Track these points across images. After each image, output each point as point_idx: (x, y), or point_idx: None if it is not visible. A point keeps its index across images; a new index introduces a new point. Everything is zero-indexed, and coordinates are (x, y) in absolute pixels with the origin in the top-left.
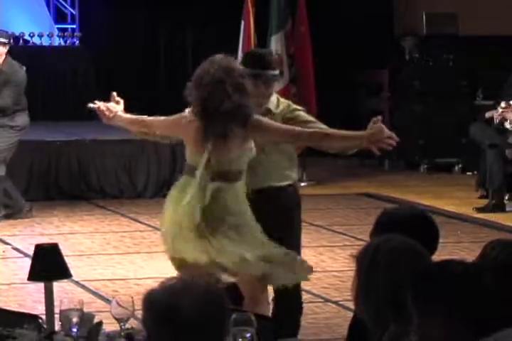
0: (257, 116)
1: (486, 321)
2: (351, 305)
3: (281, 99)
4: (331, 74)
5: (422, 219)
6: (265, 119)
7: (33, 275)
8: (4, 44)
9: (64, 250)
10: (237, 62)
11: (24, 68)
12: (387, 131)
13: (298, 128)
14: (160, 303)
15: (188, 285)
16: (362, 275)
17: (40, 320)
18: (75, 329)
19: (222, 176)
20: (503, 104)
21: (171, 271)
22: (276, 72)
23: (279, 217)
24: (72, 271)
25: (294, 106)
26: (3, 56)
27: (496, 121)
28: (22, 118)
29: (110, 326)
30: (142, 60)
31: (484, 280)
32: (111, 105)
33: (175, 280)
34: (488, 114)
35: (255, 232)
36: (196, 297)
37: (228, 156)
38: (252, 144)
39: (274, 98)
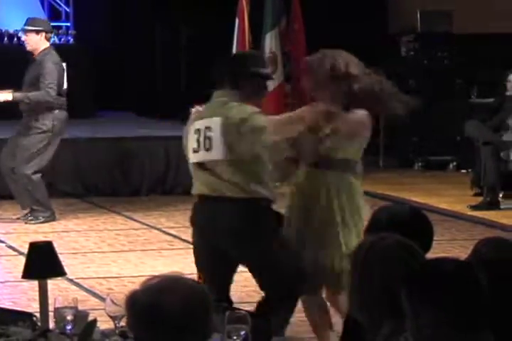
0: None
1: (475, 319)
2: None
3: None
4: None
5: (417, 218)
6: None
7: (28, 273)
8: (37, 32)
9: (58, 248)
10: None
11: (58, 63)
12: None
13: None
14: (143, 303)
15: (171, 284)
16: (356, 274)
17: (34, 318)
18: (69, 327)
19: None
20: None
21: (165, 269)
22: None
23: None
24: (66, 269)
25: None
26: (38, 44)
27: None
28: (48, 119)
29: (104, 324)
30: (137, 58)
31: (476, 278)
32: None
33: (157, 279)
34: None
35: None
36: (179, 295)
37: None
38: None
39: None
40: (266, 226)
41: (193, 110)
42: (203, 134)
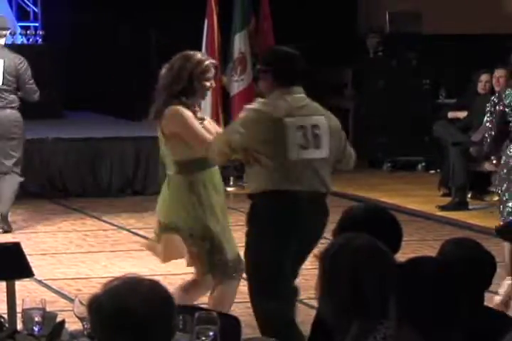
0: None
1: (453, 320)
2: (315, 303)
3: None
4: None
5: (386, 218)
6: None
7: None
8: None
9: (26, 249)
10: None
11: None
12: None
13: None
14: (107, 307)
15: (132, 285)
16: (325, 275)
17: (2, 319)
18: (37, 329)
19: None
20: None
21: (134, 270)
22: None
23: None
24: (34, 270)
25: None
26: None
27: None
28: None
29: (73, 325)
30: (105, 59)
31: (456, 278)
32: None
33: (116, 282)
34: (450, 115)
35: None
36: (142, 296)
37: None
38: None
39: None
40: None
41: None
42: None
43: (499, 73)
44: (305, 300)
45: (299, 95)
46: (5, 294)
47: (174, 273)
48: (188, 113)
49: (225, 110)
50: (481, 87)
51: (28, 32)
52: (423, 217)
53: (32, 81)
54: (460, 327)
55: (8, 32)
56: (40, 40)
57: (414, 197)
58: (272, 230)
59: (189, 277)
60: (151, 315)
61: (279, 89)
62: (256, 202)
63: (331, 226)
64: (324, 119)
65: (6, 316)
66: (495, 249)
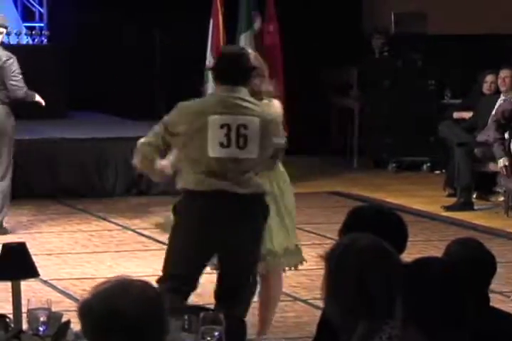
0: None
1: (459, 319)
2: (320, 303)
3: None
4: (301, 72)
5: (391, 219)
6: None
7: (0, 275)
8: None
9: (32, 249)
10: None
11: None
12: None
13: None
14: (98, 310)
15: (122, 287)
16: (331, 276)
17: (7, 320)
18: (42, 329)
19: None
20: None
21: (138, 270)
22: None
23: None
24: (40, 270)
25: None
26: None
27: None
28: None
29: (78, 325)
30: (110, 59)
31: (461, 278)
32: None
33: (107, 285)
34: (456, 115)
35: None
36: (133, 298)
37: None
38: None
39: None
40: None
41: None
42: (235, 131)
43: (504, 73)
44: (310, 301)
45: (234, 94)
46: (10, 294)
47: None
48: None
49: None
50: (486, 88)
51: (34, 32)
52: (428, 217)
53: (18, 78)
54: (466, 328)
55: (5, 31)
56: (45, 40)
57: (419, 198)
58: (187, 228)
59: None
60: (143, 316)
61: (217, 87)
62: (180, 199)
63: (336, 226)
64: (258, 121)
65: (11, 316)
66: (498, 250)
